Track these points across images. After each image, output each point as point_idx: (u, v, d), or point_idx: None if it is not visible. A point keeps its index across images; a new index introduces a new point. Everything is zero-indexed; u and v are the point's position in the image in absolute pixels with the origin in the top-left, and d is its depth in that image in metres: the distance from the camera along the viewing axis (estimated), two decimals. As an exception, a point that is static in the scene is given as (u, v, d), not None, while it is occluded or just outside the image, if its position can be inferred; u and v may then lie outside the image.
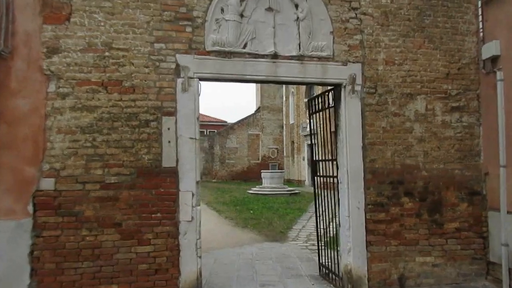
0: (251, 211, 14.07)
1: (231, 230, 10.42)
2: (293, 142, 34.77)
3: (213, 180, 37.45)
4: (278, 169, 38.37)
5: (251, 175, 37.43)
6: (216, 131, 41.42)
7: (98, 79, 4.56)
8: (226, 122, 47.46)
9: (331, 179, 5.68)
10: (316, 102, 5.97)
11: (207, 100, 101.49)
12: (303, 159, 31.86)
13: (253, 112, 39.96)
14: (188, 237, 4.68)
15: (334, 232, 6.20)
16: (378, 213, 5.15)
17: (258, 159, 38.73)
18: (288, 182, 35.71)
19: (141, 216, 4.59)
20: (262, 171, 23.45)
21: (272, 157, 39.03)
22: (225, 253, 7.72)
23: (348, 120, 5.16)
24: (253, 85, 44.48)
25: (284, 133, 37.56)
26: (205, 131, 46.11)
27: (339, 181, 5.30)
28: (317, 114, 6.05)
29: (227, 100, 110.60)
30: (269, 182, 22.16)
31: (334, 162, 5.50)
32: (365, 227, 5.09)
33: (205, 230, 10.77)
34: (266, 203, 17.04)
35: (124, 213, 4.55)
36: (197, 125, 4.80)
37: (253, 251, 7.89)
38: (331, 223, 6.29)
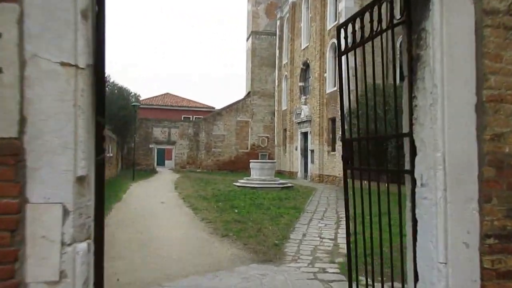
0: (236, 210, 11.22)
1: (206, 241, 7.52)
2: (285, 130, 31.95)
3: (198, 170, 34.54)
4: (269, 159, 35.59)
5: (239, 165, 34.59)
6: (202, 117, 38.36)
7: None
8: (214, 108, 44.36)
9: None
10: (359, 26, 3.02)
11: (193, 85, 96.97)
12: (296, 149, 29.08)
13: (243, 97, 36.95)
14: (50, 325, 1.77)
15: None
16: (508, 255, 2.30)
17: (247, 148, 35.87)
18: (279, 173, 32.91)
19: None
20: (251, 161, 20.59)
21: (262, 146, 36.20)
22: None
23: (447, 45, 2.26)
24: (243, 62, 41.46)
25: (276, 120, 34.71)
26: (191, 117, 43.08)
27: (419, 183, 2.40)
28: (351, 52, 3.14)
29: (216, 86, 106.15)
30: (258, 173, 19.31)
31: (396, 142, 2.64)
32: (481, 286, 2.24)
33: (170, 239, 7.74)
34: (254, 198, 14.21)
35: None
36: (82, 30, 1.85)
37: (233, 283, 5.03)
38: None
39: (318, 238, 7.88)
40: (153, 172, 31.83)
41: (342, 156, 3.33)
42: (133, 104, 24.67)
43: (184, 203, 12.99)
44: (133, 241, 7.30)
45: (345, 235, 3.62)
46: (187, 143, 34.78)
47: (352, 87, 3.63)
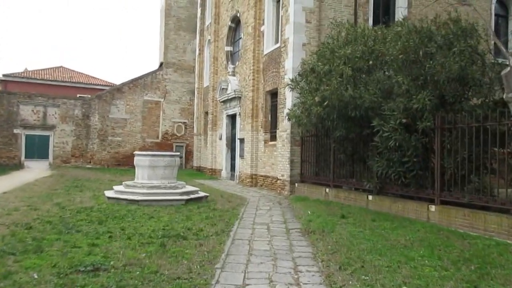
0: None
1: None
2: (207, 113, 23.77)
3: (88, 165, 25.24)
4: (186, 151, 27.27)
5: (146, 160, 25.86)
6: (96, 94, 28.79)
7: None
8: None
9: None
10: None
11: (95, 61, 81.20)
12: (220, 138, 21.06)
13: (153, 70, 28.07)
14: None
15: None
16: None
17: (158, 137, 27.22)
18: (199, 171, 24.73)
19: None
20: (135, 153, 12.28)
21: (178, 135, 27.74)
22: None
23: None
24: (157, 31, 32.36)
25: (196, 101, 26.36)
26: (89, 96, 33.13)
27: None
28: None
29: (124, 59, 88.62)
30: (146, 175, 11.01)
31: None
32: None
33: None
34: (104, 241, 5.87)
35: None
36: None
37: None
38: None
39: None
40: (16, 168, 22.12)
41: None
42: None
43: None
44: None
45: None
46: (73, 128, 25.26)
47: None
